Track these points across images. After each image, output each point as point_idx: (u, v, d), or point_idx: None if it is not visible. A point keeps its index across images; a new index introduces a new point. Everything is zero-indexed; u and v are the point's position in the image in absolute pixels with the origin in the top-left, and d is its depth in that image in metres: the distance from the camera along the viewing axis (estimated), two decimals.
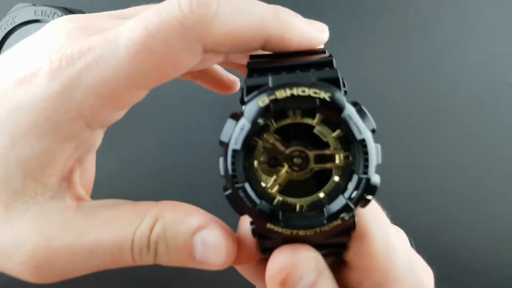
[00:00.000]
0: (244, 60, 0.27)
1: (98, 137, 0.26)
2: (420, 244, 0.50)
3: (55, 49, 0.24)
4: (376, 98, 0.53)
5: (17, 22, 0.55)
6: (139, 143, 0.53)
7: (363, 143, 0.23)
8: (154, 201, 0.26)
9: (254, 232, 0.24)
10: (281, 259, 0.23)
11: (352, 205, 0.23)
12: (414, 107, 0.53)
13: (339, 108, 0.23)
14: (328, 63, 0.25)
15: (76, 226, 0.24)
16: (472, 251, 0.49)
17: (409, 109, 0.53)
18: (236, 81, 0.40)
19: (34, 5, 0.56)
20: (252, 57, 0.27)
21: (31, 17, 0.55)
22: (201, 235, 0.24)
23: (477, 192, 0.51)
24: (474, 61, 0.55)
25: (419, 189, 0.51)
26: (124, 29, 0.24)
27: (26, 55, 0.25)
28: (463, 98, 0.54)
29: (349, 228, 0.24)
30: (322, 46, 0.28)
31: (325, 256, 0.25)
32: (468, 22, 0.56)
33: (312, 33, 0.27)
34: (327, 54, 0.27)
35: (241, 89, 0.25)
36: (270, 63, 0.26)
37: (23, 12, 0.55)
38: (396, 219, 0.48)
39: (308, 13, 0.55)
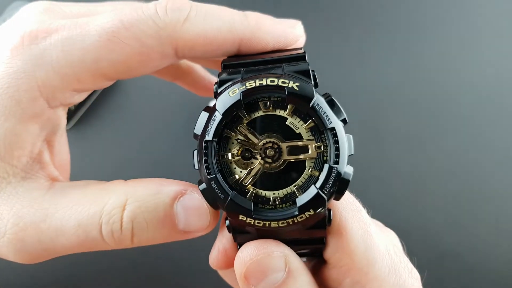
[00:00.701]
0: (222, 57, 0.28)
1: (61, 116, 0.27)
2: (425, 246, 0.50)
3: (20, 28, 0.25)
4: (379, 98, 0.53)
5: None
6: (135, 145, 0.54)
7: (333, 131, 0.23)
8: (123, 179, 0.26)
9: (229, 227, 0.24)
10: (244, 253, 0.23)
11: (323, 195, 0.23)
12: (417, 107, 0.53)
13: (308, 97, 0.23)
14: (301, 57, 0.25)
15: (43, 206, 0.24)
16: (475, 252, 0.49)
17: (412, 110, 0.53)
18: None
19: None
20: (229, 56, 0.27)
21: None
22: (181, 202, 0.24)
23: (481, 193, 0.50)
24: (478, 60, 0.54)
25: (423, 191, 0.50)
26: (98, 18, 0.24)
27: None
28: (467, 98, 0.53)
29: (323, 221, 0.24)
30: (300, 45, 0.28)
31: (305, 255, 0.25)
32: (473, 21, 0.55)
33: (284, 29, 0.27)
34: (301, 50, 0.27)
35: (215, 83, 0.25)
36: (244, 60, 0.26)
37: None
38: (400, 221, 0.48)
39: (310, 13, 0.55)
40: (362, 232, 0.24)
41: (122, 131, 0.53)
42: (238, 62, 0.26)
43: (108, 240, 0.24)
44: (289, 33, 0.27)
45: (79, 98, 0.27)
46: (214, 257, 0.26)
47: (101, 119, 0.53)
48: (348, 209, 0.25)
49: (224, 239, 0.26)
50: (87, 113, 0.53)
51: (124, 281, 0.48)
